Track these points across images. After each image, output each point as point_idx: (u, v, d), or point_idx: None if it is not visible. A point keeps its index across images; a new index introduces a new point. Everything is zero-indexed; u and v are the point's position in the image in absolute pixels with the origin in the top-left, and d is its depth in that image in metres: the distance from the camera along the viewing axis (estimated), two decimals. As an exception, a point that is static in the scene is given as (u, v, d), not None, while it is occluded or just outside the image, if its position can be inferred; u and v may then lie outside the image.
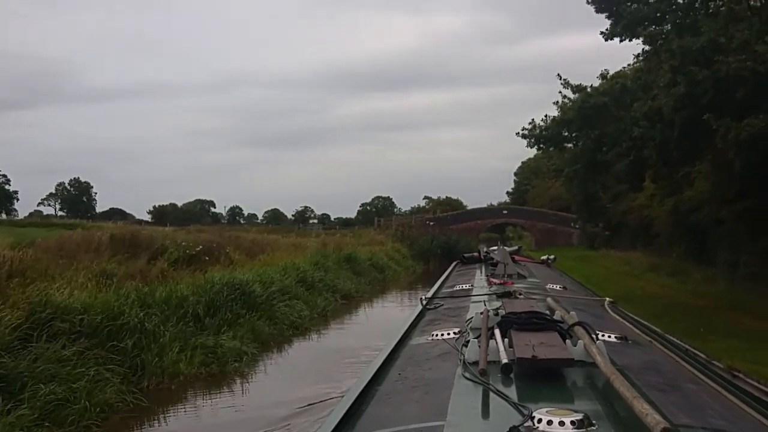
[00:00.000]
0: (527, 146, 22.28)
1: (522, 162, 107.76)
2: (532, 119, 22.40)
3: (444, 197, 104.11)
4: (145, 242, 24.92)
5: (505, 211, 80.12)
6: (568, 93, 21.98)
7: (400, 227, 65.33)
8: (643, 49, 19.72)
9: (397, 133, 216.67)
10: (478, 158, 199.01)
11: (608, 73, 21.09)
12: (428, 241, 57.55)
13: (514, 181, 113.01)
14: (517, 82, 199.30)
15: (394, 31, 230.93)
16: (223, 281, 17.81)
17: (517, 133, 22.42)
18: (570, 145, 23.51)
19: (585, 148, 20.82)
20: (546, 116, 22.28)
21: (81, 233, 25.98)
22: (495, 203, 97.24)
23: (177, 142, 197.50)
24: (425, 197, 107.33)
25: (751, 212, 22.67)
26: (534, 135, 21.92)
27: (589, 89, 21.11)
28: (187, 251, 24.26)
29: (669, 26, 16.40)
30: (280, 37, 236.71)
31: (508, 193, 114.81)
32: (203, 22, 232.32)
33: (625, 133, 18.07)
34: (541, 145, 22.43)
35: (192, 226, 56.18)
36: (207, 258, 24.19)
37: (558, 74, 22.05)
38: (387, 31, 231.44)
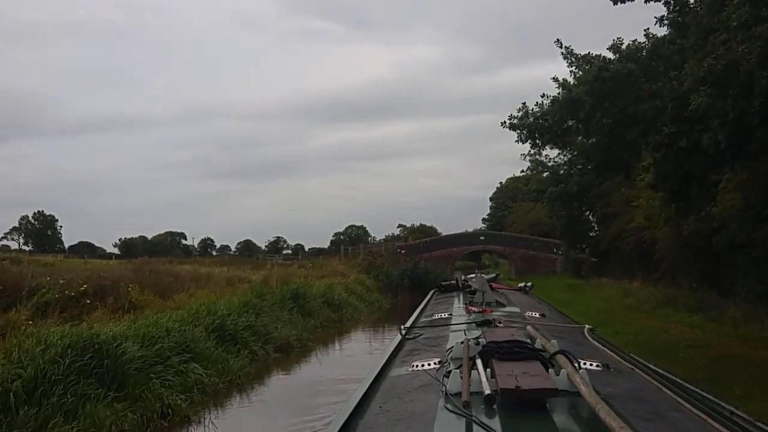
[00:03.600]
0: (517, 141, 16.28)
1: (500, 183, 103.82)
2: (524, 103, 16.50)
3: (418, 224, 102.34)
4: (12, 282, 19.14)
5: (482, 238, 73.37)
6: (564, 73, 16.20)
7: (368, 256, 59.84)
8: (670, 6, 14.19)
9: (371, 162, 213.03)
10: (452, 186, 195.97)
11: (622, 43, 15.12)
12: (397, 270, 52.05)
13: (490, 206, 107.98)
14: (490, 111, 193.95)
15: (367, 63, 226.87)
16: (66, 342, 11.88)
17: (503, 123, 16.50)
18: (569, 153, 17.79)
19: (599, 140, 14.51)
20: (544, 95, 16.10)
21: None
22: (471, 230, 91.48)
23: (148, 173, 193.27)
24: (399, 225, 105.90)
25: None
26: (526, 124, 15.85)
27: (609, 54, 14.71)
28: (67, 292, 18.55)
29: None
30: (253, 70, 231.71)
31: (483, 219, 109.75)
32: (174, 54, 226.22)
33: (663, 113, 12.24)
34: (537, 140, 16.31)
35: (139, 259, 50.72)
36: (89, 301, 18.48)
37: (557, 40, 16.23)
38: (361, 63, 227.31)
